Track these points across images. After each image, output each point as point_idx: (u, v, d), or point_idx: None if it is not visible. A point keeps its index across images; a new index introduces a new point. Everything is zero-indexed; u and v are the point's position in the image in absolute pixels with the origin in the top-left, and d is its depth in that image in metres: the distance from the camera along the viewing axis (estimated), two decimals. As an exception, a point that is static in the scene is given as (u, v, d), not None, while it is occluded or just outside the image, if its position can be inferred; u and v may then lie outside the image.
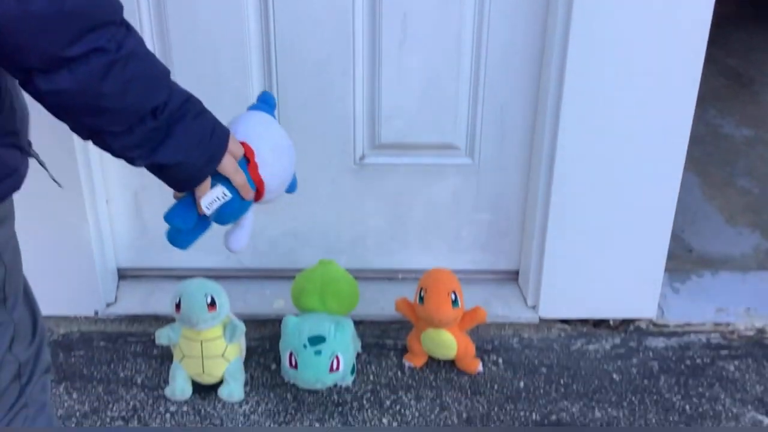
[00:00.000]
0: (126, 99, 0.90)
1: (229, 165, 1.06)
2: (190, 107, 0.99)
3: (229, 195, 1.09)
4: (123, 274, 2.30)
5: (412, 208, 2.23)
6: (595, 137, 1.95)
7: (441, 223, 2.25)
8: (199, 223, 1.13)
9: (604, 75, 1.89)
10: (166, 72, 0.97)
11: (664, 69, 1.88)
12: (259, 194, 1.17)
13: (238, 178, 1.08)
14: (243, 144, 1.14)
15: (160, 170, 1.00)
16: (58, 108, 0.90)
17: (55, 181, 1.12)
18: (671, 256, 2.15)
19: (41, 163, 1.09)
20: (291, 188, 1.30)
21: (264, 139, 1.18)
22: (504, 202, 2.21)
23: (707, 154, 3.23)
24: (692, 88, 1.91)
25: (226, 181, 1.09)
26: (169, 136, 0.96)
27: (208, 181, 1.06)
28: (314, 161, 2.15)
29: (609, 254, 2.10)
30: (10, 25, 0.82)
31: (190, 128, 0.99)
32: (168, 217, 1.11)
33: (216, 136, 1.03)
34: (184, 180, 1.03)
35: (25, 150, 1.02)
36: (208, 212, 1.08)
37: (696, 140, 1.98)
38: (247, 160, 1.13)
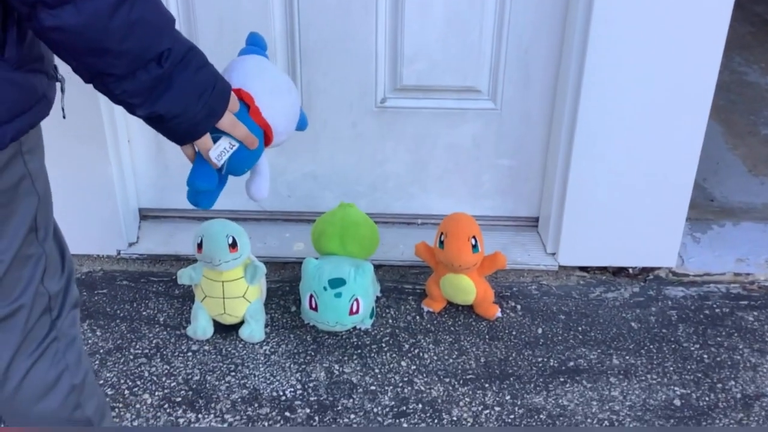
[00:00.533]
0: (130, 41, 0.89)
1: (226, 120, 1.06)
2: (192, 57, 0.98)
3: (236, 144, 1.09)
4: (144, 215, 2.31)
5: (432, 152, 2.21)
6: (620, 83, 1.92)
7: (461, 168, 2.24)
8: (219, 181, 1.13)
9: (631, 19, 1.85)
10: (171, 19, 0.96)
11: (693, 14, 1.84)
12: (268, 138, 1.17)
13: (239, 130, 1.08)
14: (239, 91, 1.13)
15: (159, 122, 0.99)
16: (60, 46, 0.89)
17: (63, 110, 1.12)
18: (692, 205, 2.14)
19: (62, 89, 1.09)
20: (301, 125, 1.30)
21: (261, 82, 1.17)
22: (526, 147, 2.20)
23: (731, 102, 3.18)
24: (720, 34, 1.87)
25: (230, 135, 1.09)
26: (171, 87, 0.96)
27: (208, 136, 1.05)
28: (335, 104, 2.14)
29: (630, 202, 2.09)
30: None
31: (192, 80, 0.98)
32: (191, 181, 1.11)
33: (217, 90, 1.02)
34: (183, 133, 1.03)
35: (51, 75, 1.02)
36: (219, 164, 1.08)
37: (720, 88, 1.95)
38: (248, 107, 1.13)
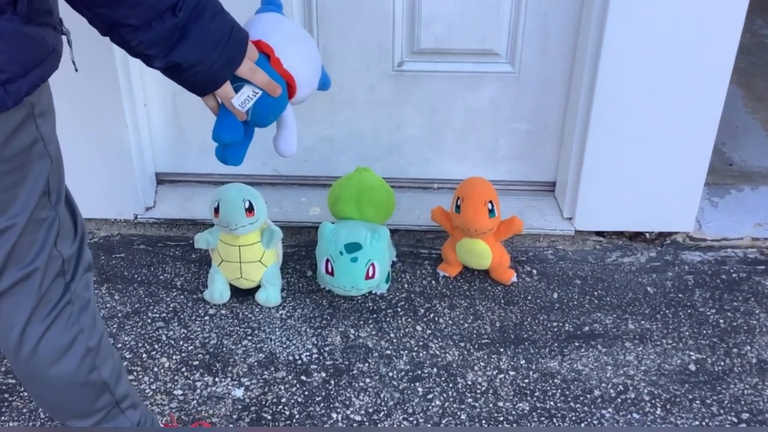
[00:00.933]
0: None
1: (245, 67, 1.06)
2: (207, 5, 0.98)
3: (259, 91, 1.09)
4: (161, 179, 2.32)
5: (449, 116, 2.20)
6: (640, 46, 1.90)
7: (478, 132, 2.22)
8: (246, 133, 1.13)
9: (653, -19, 1.82)
10: None
11: (717, -25, 1.81)
12: (291, 88, 1.16)
13: (258, 77, 1.08)
14: (259, 42, 1.13)
15: (177, 72, 1.00)
16: None
17: (74, 62, 1.12)
18: (710, 170, 2.12)
19: (69, 42, 1.09)
20: (324, 84, 1.29)
21: (280, 34, 1.17)
22: (543, 111, 2.18)
23: (752, 65, 3.14)
24: (744, -5, 1.84)
25: (252, 84, 1.08)
26: (187, 35, 0.96)
27: (228, 84, 1.05)
28: (352, 67, 2.12)
29: (648, 167, 2.07)
30: None
31: (208, 27, 0.98)
32: (217, 134, 1.11)
33: (234, 37, 1.03)
34: (202, 82, 1.03)
35: (58, 29, 1.03)
36: (243, 110, 1.08)
37: (741, 50, 1.91)
38: (268, 57, 1.12)
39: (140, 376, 1.73)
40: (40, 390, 1.21)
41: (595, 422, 1.63)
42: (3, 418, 1.61)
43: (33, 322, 1.13)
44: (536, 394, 1.69)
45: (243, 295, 1.95)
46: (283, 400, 1.67)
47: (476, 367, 1.76)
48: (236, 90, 1.07)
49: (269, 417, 1.63)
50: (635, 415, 1.65)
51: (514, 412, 1.65)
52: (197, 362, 1.76)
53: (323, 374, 1.73)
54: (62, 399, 1.22)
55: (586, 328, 1.87)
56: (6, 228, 1.05)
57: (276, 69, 1.13)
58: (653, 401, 1.67)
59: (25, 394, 1.67)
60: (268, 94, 1.10)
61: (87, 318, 1.20)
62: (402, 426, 1.61)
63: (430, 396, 1.68)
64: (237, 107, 1.07)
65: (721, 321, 1.90)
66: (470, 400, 1.67)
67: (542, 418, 1.64)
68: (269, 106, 1.13)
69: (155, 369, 1.75)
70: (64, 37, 1.06)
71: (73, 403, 1.22)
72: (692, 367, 1.77)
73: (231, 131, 1.11)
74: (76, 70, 1.16)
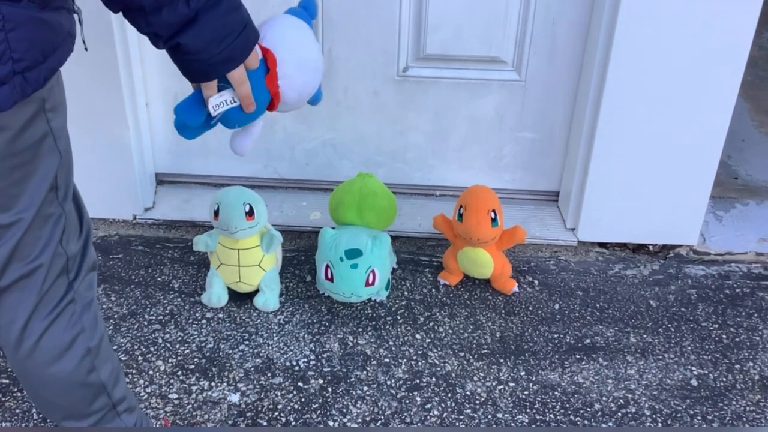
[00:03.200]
0: None
1: (237, 73, 1.05)
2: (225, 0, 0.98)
3: (237, 102, 1.08)
4: (161, 180, 2.30)
5: (453, 123, 2.18)
6: (648, 57, 1.88)
7: (482, 140, 2.20)
8: (206, 122, 1.11)
9: (663, -8, 1.81)
10: None
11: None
12: (272, 105, 1.15)
13: (243, 88, 1.07)
14: (268, 51, 1.11)
15: (177, 52, 1.00)
16: None
17: (84, 42, 1.12)
18: (716, 183, 2.10)
19: (80, 21, 1.09)
20: (315, 99, 1.27)
21: (292, 51, 1.15)
22: (549, 120, 2.16)
23: (759, 78, 3.12)
24: (755, 8, 1.82)
25: (234, 91, 1.07)
26: (197, 20, 0.96)
27: (215, 82, 1.05)
28: (357, 71, 2.11)
29: (653, 178, 2.05)
30: None
31: (221, 20, 0.98)
32: (177, 110, 1.10)
33: (242, 37, 1.02)
34: (196, 71, 1.03)
35: (71, 9, 1.02)
36: (213, 113, 1.07)
37: (747, 64, 1.89)
38: (268, 69, 1.11)
39: (135, 379, 1.70)
40: (37, 388, 1.19)
41: (595, 437, 1.61)
42: (-5, 418, 1.59)
43: (34, 319, 1.11)
44: (536, 406, 1.67)
45: (241, 299, 1.93)
46: (280, 406, 1.64)
47: (475, 378, 1.73)
48: (218, 89, 1.06)
49: (265, 423, 1.61)
50: (636, 431, 1.63)
51: (513, 424, 1.62)
52: (193, 366, 1.74)
53: (320, 381, 1.71)
54: (59, 399, 1.20)
55: (588, 341, 1.85)
56: (12, 223, 1.04)
57: (268, 84, 1.12)
58: (654, 416, 1.65)
59: (19, 394, 1.65)
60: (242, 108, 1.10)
61: (89, 318, 1.18)
62: (399, 436, 1.59)
63: (428, 406, 1.66)
64: (210, 107, 1.06)
65: (724, 336, 1.88)
66: (469, 410, 1.65)
67: (541, 431, 1.62)
68: (239, 116, 1.12)
69: (151, 372, 1.72)
70: (75, 17, 1.05)
71: (70, 404, 1.21)
72: (694, 382, 1.75)
73: (192, 116, 1.09)
74: (86, 50, 1.16)
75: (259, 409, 1.64)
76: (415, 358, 1.78)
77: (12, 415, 1.60)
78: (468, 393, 1.69)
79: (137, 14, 0.95)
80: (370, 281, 1.82)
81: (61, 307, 1.14)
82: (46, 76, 0.96)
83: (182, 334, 1.83)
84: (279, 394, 1.67)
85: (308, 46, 1.20)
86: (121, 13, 0.97)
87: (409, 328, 1.87)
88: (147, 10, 0.94)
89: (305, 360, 1.77)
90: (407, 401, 1.67)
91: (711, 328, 1.91)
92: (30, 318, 1.11)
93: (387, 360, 1.77)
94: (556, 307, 1.95)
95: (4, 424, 1.59)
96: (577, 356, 1.80)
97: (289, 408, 1.64)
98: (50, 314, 1.13)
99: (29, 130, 0.99)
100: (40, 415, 1.60)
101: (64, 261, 1.13)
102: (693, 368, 1.79)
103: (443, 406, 1.66)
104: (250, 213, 1.79)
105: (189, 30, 0.96)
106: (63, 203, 1.10)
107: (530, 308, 1.94)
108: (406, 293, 1.98)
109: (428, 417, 1.63)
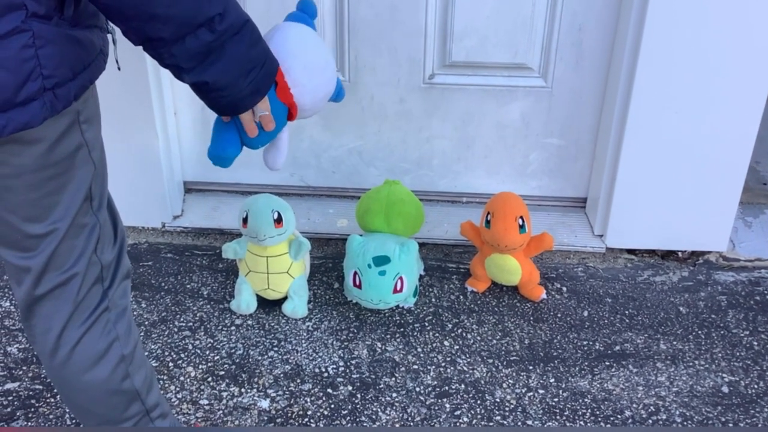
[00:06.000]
0: (178, 6, 0.90)
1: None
2: (248, 32, 0.98)
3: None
4: (189, 188, 2.32)
5: (479, 130, 2.18)
6: (676, 62, 1.87)
7: (509, 146, 2.20)
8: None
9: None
10: None
11: (756, -8, 1.79)
12: (291, 115, 1.17)
13: (263, 106, 1.09)
14: None
15: (204, 91, 1.00)
16: (109, 9, 0.91)
17: (117, 62, 1.13)
18: (745, 189, 2.08)
19: (114, 41, 1.10)
20: (337, 96, 1.29)
21: (297, 58, 1.16)
22: (575, 127, 2.15)
23: (787, 83, 3.09)
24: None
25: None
26: (222, 57, 0.96)
27: (250, 112, 1.07)
28: (383, 79, 2.11)
29: (682, 185, 2.04)
30: None
31: (245, 54, 0.98)
32: (214, 150, 1.14)
33: (266, 68, 1.03)
34: (224, 106, 1.04)
35: (103, 28, 1.03)
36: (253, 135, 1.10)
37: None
38: (276, 83, 1.12)
39: (167, 385, 1.71)
40: (72, 395, 1.20)
41: (626, 444, 1.60)
42: (30, 423, 1.61)
43: (70, 327, 1.13)
44: (566, 413, 1.66)
45: (269, 305, 1.94)
46: (309, 412, 1.65)
47: (504, 385, 1.73)
48: None
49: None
50: (667, 438, 1.61)
51: None
52: (223, 372, 1.75)
53: (350, 387, 1.72)
54: (94, 405, 1.21)
55: (617, 348, 1.84)
56: (48, 233, 1.05)
57: (280, 96, 1.13)
58: (685, 423, 1.64)
59: (52, 400, 1.66)
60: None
61: (123, 325, 1.19)
62: (429, 442, 1.59)
63: (457, 412, 1.65)
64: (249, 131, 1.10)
65: (755, 343, 1.86)
66: (498, 417, 1.64)
67: (572, 438, 1.61)
68: (262, 136, 1.14)
69: (181, 378, 1.74)
70: (109, 36, 1.07)
71: (104, 410, 1.22)
72: (725, 389, 1.73)
73: (230, 149, 1.13)
74: (119, 69, 1.18)
75: (289, 415, 1.64)
76: (443, 364, 1.78)
77: (46, 421, 1.62)
78: (497, 400, 1.69)
79: (159, 45, 0.94)
80: (398, 288, 1.82)
81: (96, 315, 1.15)
82: (76, 93, 0.97)
83: (212, 341, 1.84)
84: (309, 400, 1.68)
85: (312, 48, 1.21)
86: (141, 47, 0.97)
87: (437, 334, 1.87)
88: (168, 41, 0.93)
89: (334, 366, 1.77)
90: (436, 408, 1.66)
91: (742, 334, 1.89)
92: (65, 326, 1.12)
93: (415, 367, 1.77)
94: (585, 314, 1.95)
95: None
96: (607, 363, 1.79)
97: (318, 414, 1.64)
98: (85, 322, 1.14)
99: (64, 141, 1.01)
100: (74, 421, 1.61)
101: (98, 269, 1.14)
102: (724, 375, 1.77)
103: (473, 412, 1.65)
104: (279, 220, 1.80)
105: (216, 65, 0.96)
106: (97, 213, 1.11)
107: (559, 315, 1.94)
108: (433, 300, 1.98)
109: (457, 424, 1.63)
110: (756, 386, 1.74)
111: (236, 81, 0.99)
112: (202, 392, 1.70)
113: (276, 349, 1.82)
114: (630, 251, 2.17)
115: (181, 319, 1.91)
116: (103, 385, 1.18)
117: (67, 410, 1.64)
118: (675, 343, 1.86)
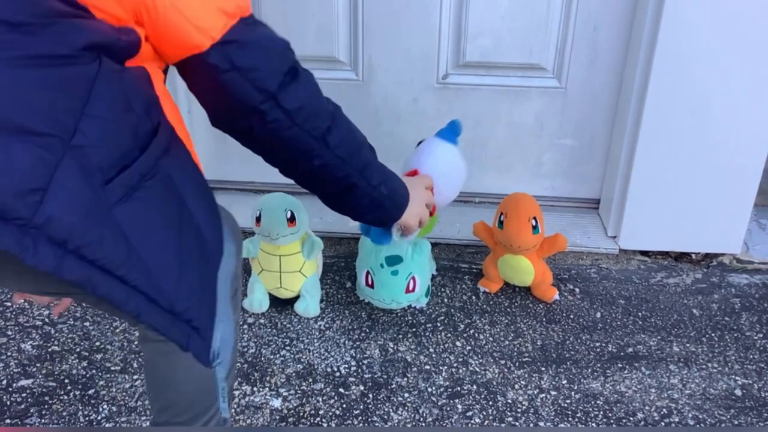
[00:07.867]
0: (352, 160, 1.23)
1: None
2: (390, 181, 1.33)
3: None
4: (202, 186, 2.32)
5: (493, 130, 2.18)
6: (691, 64, 1.86)
7: (522, 146, 2.20)
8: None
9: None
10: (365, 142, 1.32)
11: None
12: (431, 213, 1.48)
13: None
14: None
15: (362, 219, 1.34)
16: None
17: None
18: (759, 191, 2.07)
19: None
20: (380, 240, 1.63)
21: (445, 175, 1.60)
22: (589, 127, 2.15)
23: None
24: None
25: None
26: (384, 203, 1.31)
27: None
28: (396, 78, 2.11)
29: (696, 186, 2.03)
30: None
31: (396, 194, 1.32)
32: (374, 240, 1.62)
33: (402, 192, 1.34)
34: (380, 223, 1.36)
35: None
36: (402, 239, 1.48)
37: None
38: None
39: (178, 383, 1.72)
40: (162, 388, 1.21)
41: (639, 446, 1.60)
42: (43, 420, 1.62)
43: None
44: (578, 415, 1.65)
45: (282, 304, 1.94)
46: (321, 411, 1.65)
47: (517, 386, 1.73)
48: None
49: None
50: (680, 441, 1.61)
51: (555, 433, 1.62)
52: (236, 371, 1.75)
53: (361, 387, 1.72)
54: (182, 399, 1.20)
55: (630, 350, 1.83)
56: None
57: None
58: (698, 425, 1.63)
59: (65, 397, 1.67)
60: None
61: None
62: (440, 443, 1.59)
63: (469, 413, 1.65)
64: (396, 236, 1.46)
65: (769, 346, 1.86)
66: (510, 418, 1.64)
67: (584, 440, 1.60)
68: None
69: (193, 376, 1.74)
70: None
71: (189, 405, 1.20)
72: (738, 392, 1.73)
73: (384, 239, 1.54)
74: None
75: (301, 414, 1.64)
76: (455, 365, 1.78)
77: (59, 418, 1.63)
78: (509, 401, 1.68)
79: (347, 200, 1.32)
80: (411, 288, 1.82)
81: None
82: None
83: (224, 340, 1.84)
84: (320, 399, 1.68)
85: (456, 165, 1.65)
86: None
87: (449, 335, 1.87)
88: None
89: (346, 366, 1.77)
90: (448, 408, 1.66)
91: (755, 337, 1.88)
92: None
93: (428, 367, 1.77)
94: (598, 315, 1.94)
95: (51, 427, 1.61)
96: (620, 365, 1.79)
97: (330, 414, 1.65)
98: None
99: None
100: (87, 417, 1.62)
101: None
102: (737, 378, 1.76)
103: (485, 413, 1.65)
104: (292, 219, 1.80)
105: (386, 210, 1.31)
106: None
107: (571, 316, 1.93)
108: (446, 300, 1.98)
109: (469, 425, 1.63)
110: (770, 390, 1.73)
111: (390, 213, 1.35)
112: (214, 390, 1.70)
113: (288, 348, 1.82)
114: (643, 253, 2.16)
115: (194, 317, 1.91)
116: (198, 381, 1.19)
117: (80, 408, 1.64)
118: (688, 345, 1.85)
